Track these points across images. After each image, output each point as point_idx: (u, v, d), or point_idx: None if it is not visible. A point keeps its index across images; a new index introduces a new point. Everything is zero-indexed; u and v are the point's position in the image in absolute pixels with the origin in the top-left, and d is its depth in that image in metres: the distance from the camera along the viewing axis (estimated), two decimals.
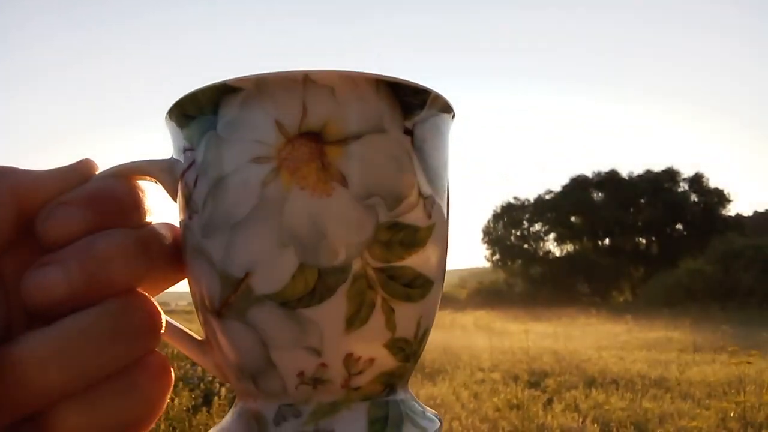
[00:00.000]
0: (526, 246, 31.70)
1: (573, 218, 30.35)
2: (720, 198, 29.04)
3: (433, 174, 0.26)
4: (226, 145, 0.23)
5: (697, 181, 29.31)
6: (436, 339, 7.97)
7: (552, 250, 31.56)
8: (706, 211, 28.55)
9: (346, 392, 0.24)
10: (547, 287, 26.56)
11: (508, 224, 32.15)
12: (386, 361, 0.25)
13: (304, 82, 0.23)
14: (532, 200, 31.95)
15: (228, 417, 0.26)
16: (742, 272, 19.37)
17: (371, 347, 0.24)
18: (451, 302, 21.96)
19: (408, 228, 0.24)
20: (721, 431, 3.44)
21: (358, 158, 0.23)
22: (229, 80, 0.23)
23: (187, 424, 2.95)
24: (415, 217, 0.24)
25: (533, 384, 4.99)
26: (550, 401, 4.28)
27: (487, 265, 33.14)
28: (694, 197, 29.41)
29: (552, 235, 31.42)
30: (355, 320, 0.23)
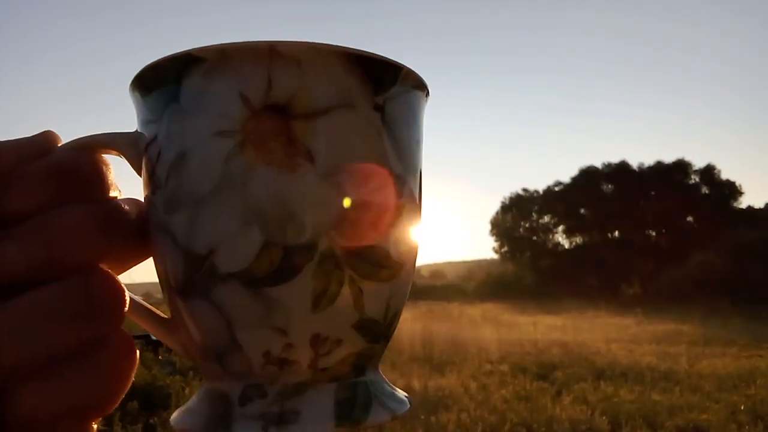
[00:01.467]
0: (534, 238, 31.58)
1: (582, 210, 30.17)
2: (731, 190, 28.76)
3: (404, 152, 0.25)
4: (188, 118, 0.23)
5: (708, 173, 29.04)
6: (444, 331, 7.98)
7: (561, 243, 31.45)
8: (717, 204, 28.29)
9: (313, 373, 0.24)
10: (555, 279, 26.45)
11: (517, 216, 32.02)
12: (354, 342, 0.24)
13: (270, 53, 0.22)
14: (541, 192, 31.84)
15: (194, 397, 0.26)
16: (753, 265, 19.22)
17: (339, 328, 0.23)
18: (460, 294, 21.95)
19: (377, 207, 0.23)
20: (731, 424, 3.42)
21: (325, 134, 0.22)
22: (192, 50, 0.22)
23: None
24: (384, 195, 0.24)
25: (542, 376, 5.00)
26: (558, 393, 4.28)
27: (496, 257, 33.06)
28: (705, 189, 29.14)
29: (561, 227, 31.27)
30: (322, 300, 0.23)
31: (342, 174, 0.23)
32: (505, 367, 5.36)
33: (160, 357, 4.97)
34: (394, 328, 0.26)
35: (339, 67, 0.23)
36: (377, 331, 0.25)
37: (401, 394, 0.27)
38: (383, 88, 0.24)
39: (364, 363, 0.25)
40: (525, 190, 32.31)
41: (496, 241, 32.29)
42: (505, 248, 31.91)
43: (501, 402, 3.94)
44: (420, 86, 0.26)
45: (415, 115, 0.26)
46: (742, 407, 3.76)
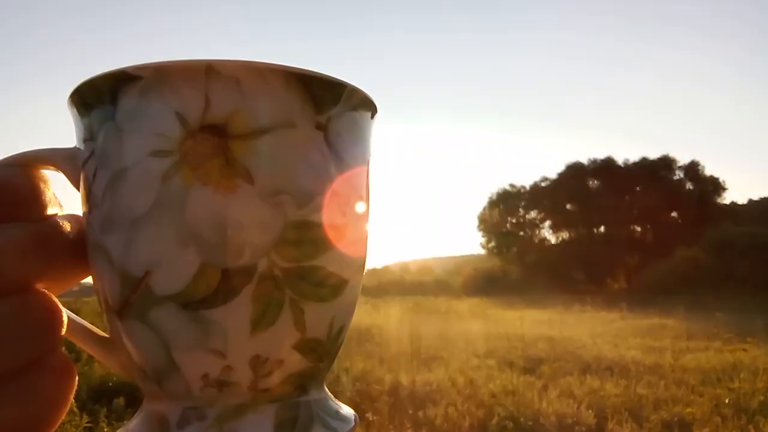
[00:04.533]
0: (521, 233, 31.76)
1: (569, 206, 30.39)
2: (715, 186, 29.09)
3: (348, 170, 0.25)
4: (124, 136, 0.22)
5: (692, 169, 29.34)
6: (431, 325, 7.99)
7: (547, 238, 31.65)
8: (701, 199, 28.59)
9: (253, 394, 0.24)
10: (542, 274, 26.63)
11: (504, 211, 32.18)
12: (296, 362, 0.24)
13: (207, 72, 0.21)
14: (528, 187, 32.01)
15: (134, 418, 0.26)
16: (736, 260, 19.50)
17: (279, 348, 0.23)
18: (447, 289, 22.03)
19: (319, 226, 0.23)
20: (716, 417, 3.46)
21: (265, 154, 0.22)
22: (127, 67, 0.22)
23: None
24: (327, 215, 0.23)
25: (528, 370, 5.02)
26: (545, 387, 4.30)
27: (483, 252, 33.23)
28: (689, 185, 29.44)
29: (547, 223, 31.48)
30: (261, 322, 0.22)
31: (282, 194, 0.22)
32: (492, 362, 5.37)
33: None
34: (340, 345, 0.26)
35: (279, 86, 0.22)
36: (320, 350, 0.25)
37: (347, 411, 0.27)
38: (326, 107, 0.23)
39: (307, 382, 0.25)
40: (512, 185, 32.52)
41: (483, 236, 32.49)
42: (492, 243, 32.07)
43: (488, 396, 3.95)
44: (366, 104, 0.26)
45: (361, 133, 0.26)
46: (727, 400, 3.80)
